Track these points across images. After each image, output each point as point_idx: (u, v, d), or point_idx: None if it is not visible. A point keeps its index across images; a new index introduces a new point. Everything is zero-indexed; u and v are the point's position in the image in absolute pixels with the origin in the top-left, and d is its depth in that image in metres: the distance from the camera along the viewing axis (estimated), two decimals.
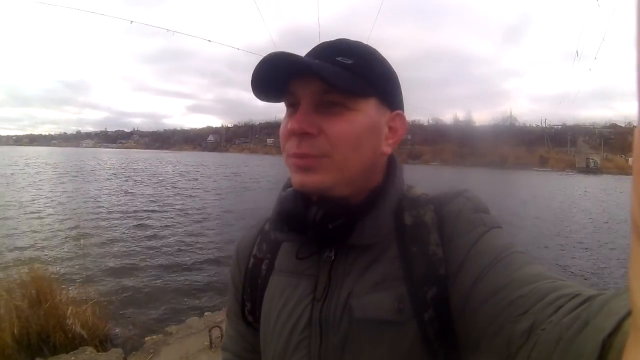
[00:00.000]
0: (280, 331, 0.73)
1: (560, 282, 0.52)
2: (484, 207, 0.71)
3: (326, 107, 0.67)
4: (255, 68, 0.66)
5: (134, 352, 4.31)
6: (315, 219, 0.69)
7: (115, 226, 12.10)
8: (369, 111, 0.69)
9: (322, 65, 0.65)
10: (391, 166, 0.78)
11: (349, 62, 0.67)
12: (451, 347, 0.64)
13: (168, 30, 7.56)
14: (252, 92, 0.70)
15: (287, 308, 0.74)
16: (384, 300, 0.66)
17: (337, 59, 0.67)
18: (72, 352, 3.93)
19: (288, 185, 0.81)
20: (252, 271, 0.84)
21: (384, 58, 0.74)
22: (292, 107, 0.70)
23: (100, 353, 4.11)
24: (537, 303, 0.48)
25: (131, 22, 7.06)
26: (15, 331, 3.73)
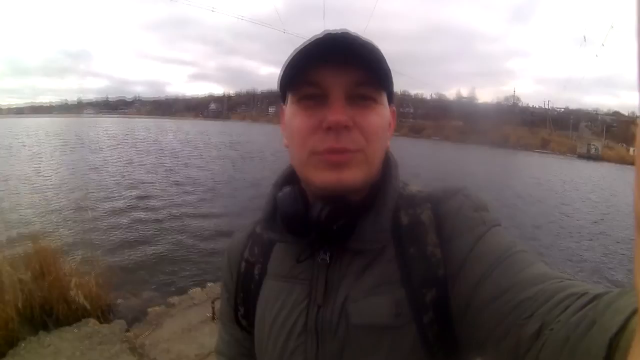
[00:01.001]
0: (275, 337, 0.73)
1: (566, 281, 0.51)
2: (483, 205, 0.70)
3: (356, 100, 0.66)
4: (308, 49, 0.64)
5: (136, 324, 4.39)
6: (319, 219, 0.67)
7: (119, 197, 12.15)
8: (386, 104, 0.71)
9: (381, 59, 0.65)
10: (387, 162, 0.77)
11: (371, 54, 0.65)
12: (451, 349, 0.64)
13: None
14: (280, 77, 0.69)
15: (282, 314, 0.73)
16: (382, 305, 0.65)
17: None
18: (75, 324, 3.99)
19: (281, 182, 0.80)
20: (244, 275, 0.83)
21: None
22: (310, 99, 0.67)
23: (103, 325, 4.17)
24: (544, 304, 0.48)
25: None
26: (19, 304, 3.77)
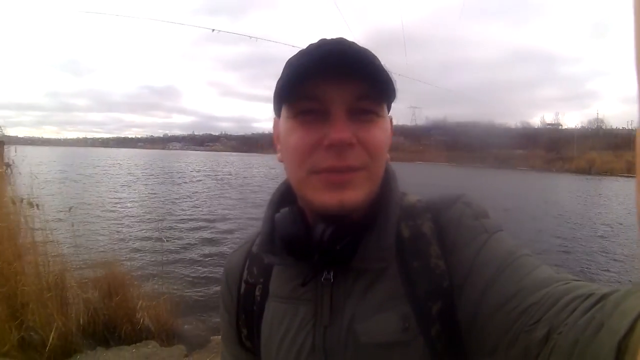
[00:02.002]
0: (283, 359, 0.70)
1: (572, 283, 0.51)
2: (483, 212, 0.69)
3: (358, 114, 0.63)
4: (307, 61, 0.61)
5: (197, 350, 4.36)
6: (322, 239, 0.65)
7: (198, 229, 12.34)
8: (387, 116, 0.70)
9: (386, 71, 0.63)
10: (386, 174, 0.73)
11: (373, 65, 0.62)
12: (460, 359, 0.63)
13: (251, 37, 7.65)
14: (277, 88, 0.66)
15: (288, 335, 0.70)
16: (389, 321, 0.64)
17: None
18: (134, 344, 4.03)
19: (277, 201, 0.78)
20: (245, 297, 0.81)
21: None
22: (308, 114, 0.63)
23: (163, 347, 4.17)
24: (551, 308, 0.47)
25: (213, 30, 7.21)
26: (81, 320, 3.88)
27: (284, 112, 0.67)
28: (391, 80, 0.64)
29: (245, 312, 0.80)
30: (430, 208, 0.71)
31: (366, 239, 0.67)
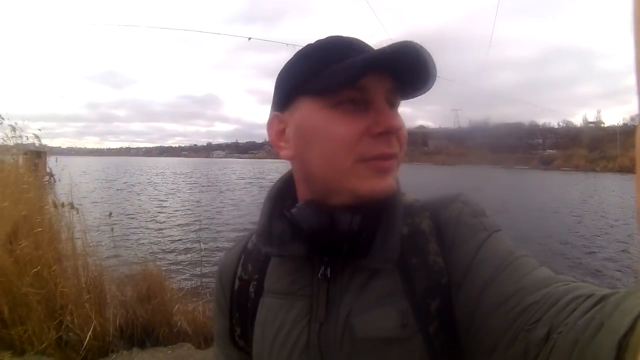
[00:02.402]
0: (277, 356, 0.70)
1: (571, 284, 0.51)
2: (481, 210, 0.69)
3: (390, 106, 0.66)
4: (388, 53, 0.59)
5: None
6: (351, 228, 0.65)
7: (238, 235, 12.57)
8: None
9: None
10: None
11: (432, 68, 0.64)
12: (458, 358, 0.62)
13: (287, 44, 7.69)
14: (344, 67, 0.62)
15: (282, 331, 0.70)
16: (388, 316, 0.63)
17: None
18: (170, 346, 4.08)
19: (276, 197, 0.78)
20: (238, 294, 0.81)
21: None
22: (350, 103, 0.64)
23: (198, 350, 4.19)
24: (551, 308, 0.48)
25: (249, 38, 7.30)
26: (119, 322, 3.97)
27: (315, 103, 0.65)
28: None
29: (239, 310, 0.80)
30: (428, 207, 0.72)
31: (379, 228, 0.67)
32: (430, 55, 0.60)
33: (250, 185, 32.30)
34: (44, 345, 3.25)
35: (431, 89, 0.67)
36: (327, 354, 0.65)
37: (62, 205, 4.13)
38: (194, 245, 9.62)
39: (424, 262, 0.65)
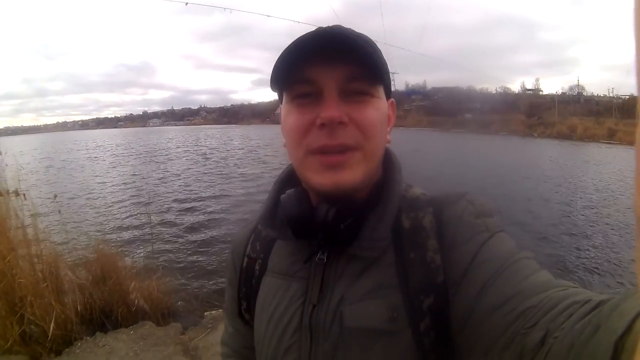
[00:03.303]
0: (272, 333, 0.74)
1: (570, 289, 0.51)
2: (486, 210, 0.69)
3: (350, 95, 0.66)
4: (300, 42, 0.64)
5: (192, 327, 4.42)
6: (326, 219, 0.67)
7: (184, 202, 12.45)
8: (383, 98, 0.71)
9: (372, 51, 0.65)
10: (389, 160, 0.77)
11: (364, 48, 0.65)
12: (447, 357, 0.63)
13: (225, 8, 7.51)
14: (271, 75, 0.67)
15: (278, 310, 0.74)
16: (377, 309, 0.65)
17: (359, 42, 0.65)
18: (131, 327, 4.08)
19: (284, 181, 0.83)
20: (246, 271, 0.85)
21: None
22: (304, 97, 0.67)
23: (159, 327, 4.24)
24: (548, 313, 0.48)
25: (186, 3, 7.04)
26: (79, 307, 3.93)
27: (284, 97, 0.71)
28: (380, 63, 0.67)
29: (246, 285, 0.84)
30: (433, 202, 0.72)
31: (364, 224, 0.69)
32: (346, 32, 0.65)
33: (189, 153, 31.34)
34: (9, 343, 3.21)
35: (383, 60, 0.69)
36: (317, 336, 0.68)
37: (7, 192, 4.00)
38: (142, 220, 9.53)
39: (422, 258, 0.66)
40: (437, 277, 0.64)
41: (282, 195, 0.74)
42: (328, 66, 0.64)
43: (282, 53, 0.64)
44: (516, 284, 0.55)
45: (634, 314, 0.35)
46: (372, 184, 0.73)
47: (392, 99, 0.77)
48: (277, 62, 0.65)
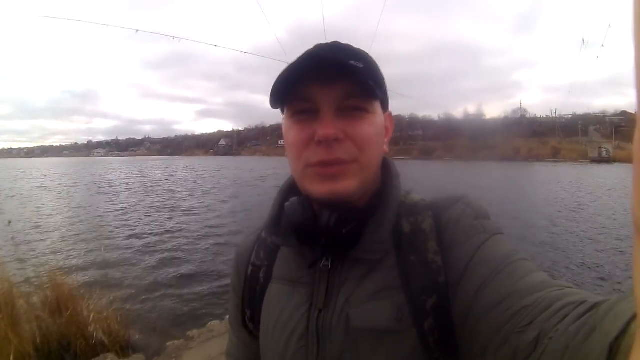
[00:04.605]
0: (277, 340, 0.74)
1: (565, 289, 0.52)
2: (484, 213, 0.71)
3: (347, 111, 0.68)
4: (298, 63, 0.66)
5: (156, 358, 4.30)
6: (328, 224, 0.69)
7: (134, 232, 12.18)
8: (379, 112, 0.73)
9: (365, 71, 0.67)
10: (387, 168, 0.79)
11: (361, 65, 0.67)
12: (452, 356, 0.64)
13: (174, 37, 7.49)
14: (270, 94, 0.69)
15: (283, 316, 0.74)
16: (383, 309, 0.66)
17: (351, 62, 0.66)
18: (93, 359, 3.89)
19: (287, 190, 0.84)
20: (250, 279, 0.85)
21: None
22: (303, 114, 0.70)
23: (122, 359, 4.09)
24: (543, 313, 0.48)
25: (137, 30, 6.98)
26: (37, 340, 3.73)
27: (285, 112, 0.74)
28: (376, 79, 0.70)
29: (250, 294, 0.84)
30: (432, 207, 0.73)
31: (369, 224, 0.71)
32: (341, 52, 0.69)
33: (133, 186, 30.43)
34: None
35: (379, 75, 0.72)
36: (324, 340, 0.69)
37: None
38: (95, 251, 9.22)
39: (423, 260, 0.67)
40: (439, 277, 0.65)
41: (286, 203, 0.76)
42: (325, 84, 0.67)
43: (282, 73, 0.66)
44: (512, 283, 0.56)
45: (629, 316, 0.36)
46: (371, 191, 0.75)
47: (389, 112, 0.80)
48: (277, 81, 0.67)
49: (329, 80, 0.66)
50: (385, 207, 0.73)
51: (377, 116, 0.72)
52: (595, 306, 0.43)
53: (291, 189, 0.83)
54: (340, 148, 0.67)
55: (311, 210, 0.72)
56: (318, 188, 0.69)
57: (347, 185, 0.68)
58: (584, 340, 0.40)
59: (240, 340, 0.92)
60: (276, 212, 0.80)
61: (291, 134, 0.71)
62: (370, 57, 0.72)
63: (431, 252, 0.67)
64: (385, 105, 0.77)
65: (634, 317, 0.35)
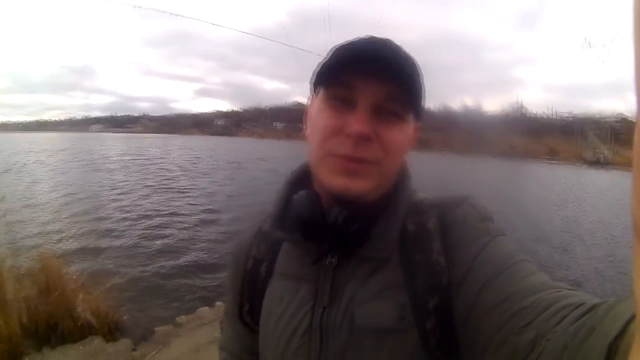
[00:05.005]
0: (279, 335, 0.73)
1: (565, 291, 0.52)
2: (488, 215, 0.71)
3: (384, 113, 0.66)
4: (348, 51, 0.65)
5: (143, 343, 4.30)
6: (336, 222, 0.68)
7: (128, 213, 12.00)
8: (411, 122, 0.72)
9: (410, 76, 0.65)
10: (402, 168, 0.77)
11: (409, 71, 0.65)
12: (453, 356, 0.64)
13: (174, 14, 7.39)
14: (317, 70, 0.67)
15: (287, 313, 0.73)
16: (386, 308, 0.66)
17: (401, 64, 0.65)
18: (80, 342, 3.91)
19: (294, 182, 0.81)
20: (250, 272, 0.84)
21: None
22: (341, 100, 0.67)
23: (109, 343, 4.08)
24: (542, 314, 0.48)
25: (138, 7, 6.86)
26: (24, 319, 3.73)
27: (320, 93, 0.71)
28: (419, 89, 0.67)
29: (250, 287, 0.83)
30: (437, 207, 0.73)
31: (374, 228, 0.70)
32: (396, 51, 0.66)
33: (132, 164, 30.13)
34: None
35: (421, 85, 0.68)
36: (327, 337, 0.68)
37: None
38: (89, 231, 9.19)
39: (427, 259, 0.67)
40: (442, 278, 0.65)
41: (295, 196, 0.74)
42: (371, 78, 0.65)
43: (335, 53, 0.65)
44: (513, 284, 0.56)
45: (628, 316, 0.36)
46: (384, 192, 0.73)
47: (419, 123, 0.77)
48: (327, 60, 0.65)
49: (377, 76, 0.64)
50: (395, 207, 0.72)
51: (409, 125, 0.71)
52: (593, 308, 0.43)
53: (298, 182, 0.81)
54: (367, 148, 0.66)
55: (319, 205, 0.71)
56: (333, 180, 0.68)
57: (363, 185, 0.67)
58: (583, 341, 0.40)
59: (237, 333, 0.90)
60: (282, 205, 0.79)
61: (322, 118, 0.69)
62: (418, 65, 0.70)
63: (435, 252, 0.67)
64: (418, 115, 0.74)
65: (632, 318, 0.35)
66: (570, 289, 0.53)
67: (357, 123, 0.64)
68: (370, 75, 0.64)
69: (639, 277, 0.21)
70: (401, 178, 0.77)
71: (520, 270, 0.58)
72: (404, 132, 0.69)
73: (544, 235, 11.29)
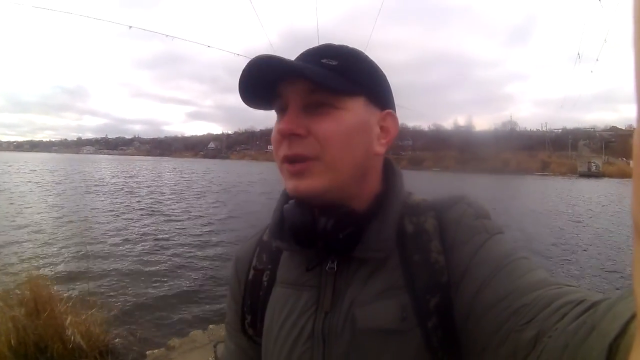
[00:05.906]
0: (282, 343, 0.73)
1: (565, 287, 0.52)
2: (485, 213, 0.71)
3: (314, 107, 0.68)
4: (242, 73, 0.67)
5: None
6: (325, 228, 0.68)
7: (119, 235, 11.89)
8: (357, 110, 0.70)
9: (305, 66, 0.67)
10: (390, 172, 0.79)
11: (334, 63, 0.68)
12: (456, 355, 0.64)
13: (167, 35, 7.41)
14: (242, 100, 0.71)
15: (290, 319, 0.73)
16: (388, 309, 0.66)
17: (322, 61, 0.68)
18: None
19: (287, 194, 0.80)
20: (252, 283, 0.84)
21: (370, 58, 0.75)
22: (282, 111, 0.70)
23: None
24: (542, 311, 0.48)
25: (130, 27, 6.87)
26: (12, 342, 3.63)
27: None
28: (349, 75, 0.69)
29: (252, 298, 0.83)
30: (434, 207, 0.74)
31: (368, 230, 0.70)
32: (312, 52, 0.71)
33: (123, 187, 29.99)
34: None
35: (355, 71, 0.70)
36: (330, 342, 0.68)
37: None
38: (78, 253, 9.03)
39: (426, 259, 0.67)
40: (442, 277, 0.65)
41: (285, 205, 0.75)
42: (292, 81, 0.67)
43: (241, 76, 0.67)
44: (512, 282, 0.56)
45: (628, 316, 0.36)
46: (371, 196, 0.74)
47: (389, 110, 0.75)
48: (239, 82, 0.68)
49: (290, 75, 0.67)
50: (388, 207, 0.73)
51: (350, 112, 0.69)
52: (593, 305, 0.43)
53: None
54: (300, 144, 0.67)
55: (310, 213, 0.71)
56: (287, 184, 0.70)
57: (311, 184, 0.67)
58: (584, 339, 0.40)
59: (238, 346, 0.88)
60: (279, 215, 0.79)
61: (273, 131, 0.71)
62: (354, 53, 0.73)
63: (434, 252, 0.68)
64: (380, 102, 0.74)
65: (633, 317, 0.35)
66: (570, 285, 0.53)
67: (281, 123, 0.67)
68: (286, 77, 0.67)
69: (639, 277, 0.21)
70: (391, 177, 0.77)
71: (519, 268, 0.59)
72: (338, 120, 0.67)
73: (537, 247, 11.36)
